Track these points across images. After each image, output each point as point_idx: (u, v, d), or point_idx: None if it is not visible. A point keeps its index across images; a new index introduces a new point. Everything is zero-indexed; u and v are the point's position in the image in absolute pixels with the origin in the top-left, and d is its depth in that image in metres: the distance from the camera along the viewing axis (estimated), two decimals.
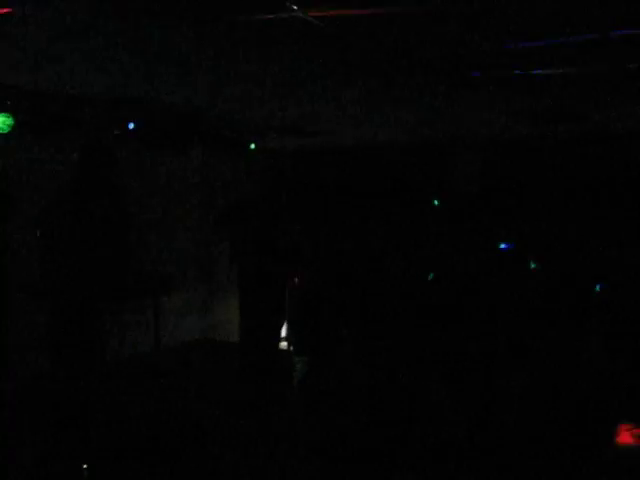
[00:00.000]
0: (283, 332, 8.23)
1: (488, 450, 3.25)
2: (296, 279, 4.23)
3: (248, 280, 7.22)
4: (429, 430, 2.26)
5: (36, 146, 6.45)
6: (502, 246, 5.72)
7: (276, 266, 7.23)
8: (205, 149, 7.92)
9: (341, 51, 4.17)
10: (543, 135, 7.80)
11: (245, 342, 7.27)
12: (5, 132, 5.77)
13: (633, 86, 5.08)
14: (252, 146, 7.45)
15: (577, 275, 4.49)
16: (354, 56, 4.28)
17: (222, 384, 7.30)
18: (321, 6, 3.28)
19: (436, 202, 7.45)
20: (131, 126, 6.66)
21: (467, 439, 3.43)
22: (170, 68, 4.80)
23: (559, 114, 6.40)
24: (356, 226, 5.27)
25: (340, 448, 4.21)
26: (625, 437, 2.75)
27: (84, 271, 4.42)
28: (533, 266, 4.26)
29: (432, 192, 8.21)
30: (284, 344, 7.59)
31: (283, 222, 7.23)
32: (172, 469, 2.91)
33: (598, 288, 4.52)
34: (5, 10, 3.06)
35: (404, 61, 4.41)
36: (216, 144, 7.83)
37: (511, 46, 4.02)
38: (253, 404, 6.42)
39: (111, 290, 4.56)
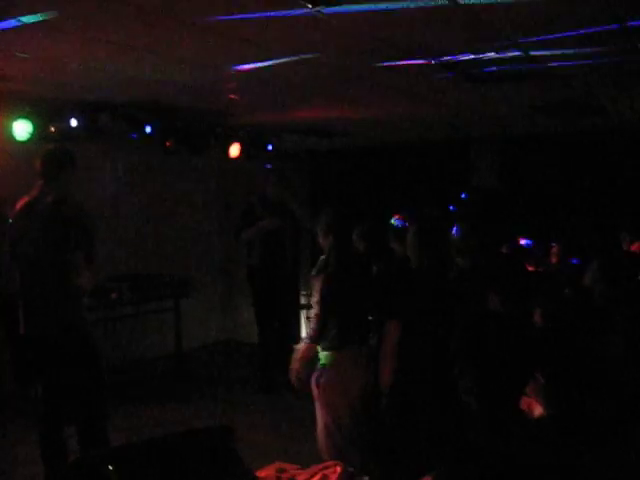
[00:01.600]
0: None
1: None
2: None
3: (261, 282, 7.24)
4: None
5: None
6: (523, 242, 5.69)
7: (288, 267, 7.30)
8: (223, 150, 7.93)
9: (357, 48, 4.16)
10: (562, 129, 7.74)
11: (264, 342, 7.31)
12: (24, 139, 5.82)
13: None
14: (269, 147, 7.45)
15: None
16: (369, 53, 4.26)
17: (244, 384, 7.32)
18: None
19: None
20: (148, 129, 6.69)
21: None
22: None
23: (578, 107, 6.35)
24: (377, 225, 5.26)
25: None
26: None
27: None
28: None
29: (452, 188, 8.20)
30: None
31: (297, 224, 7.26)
32: (197, 471, 2.90)
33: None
34: None
35: (421, 57, 4.39)
36: (234, 145, 7.84)
37: (527, 39, 4.00)
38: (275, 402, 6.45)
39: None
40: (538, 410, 2.72)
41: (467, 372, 2.13)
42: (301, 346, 4.37)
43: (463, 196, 4.40)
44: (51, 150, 4.40)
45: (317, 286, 4.27)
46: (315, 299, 4.28)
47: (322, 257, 4.48)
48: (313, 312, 4.33)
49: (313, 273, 4.55)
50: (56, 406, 4.36)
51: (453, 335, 2.22)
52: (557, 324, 3.01)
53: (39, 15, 3.40)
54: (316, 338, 4.27)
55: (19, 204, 4.37)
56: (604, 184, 7.62)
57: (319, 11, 3.35)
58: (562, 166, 7.89)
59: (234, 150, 7.61)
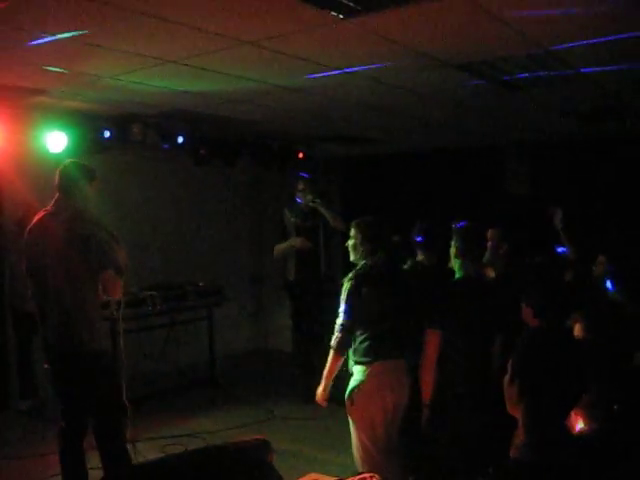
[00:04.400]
0: None
1: None
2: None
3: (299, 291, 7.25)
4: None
5: None
6: (559, 249, 5.60)
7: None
8: (254, 160, 7.95)
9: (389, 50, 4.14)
10: (593, 135, 7.64)
11: (298, 350, 7.32)
12: (59, 151, 5.88)
13: None
14: (300, 155, 7.43)
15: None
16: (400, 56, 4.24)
17: (279, 393, 7.31)
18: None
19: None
20: (180, 140, 6.73)
21: None
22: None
23: (608, 112, 6.26)
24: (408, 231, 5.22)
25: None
26: None
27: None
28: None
29: (484, 195, 8.13)
30: None
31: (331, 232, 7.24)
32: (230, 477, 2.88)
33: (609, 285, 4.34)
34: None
35: (451, 65, 4.36)
36: (265, 155, 7.86)
37: (558, 47, 3.95)
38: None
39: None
40: (580, 424, 2.67)
41: (518, 386, 2.09)
42: (330, 358, 4.23)
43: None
44: (67, 164, 4.37)
45: (343, 294, 4.14)
46: (340, 308, 4.17)
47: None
48: (338, 321, 4.14)
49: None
50: (73, 422, 4.31)
51: (513, 349, 2.17)
52: (601, 337, 2.95)
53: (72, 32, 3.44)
54: (340, 348, 4.13)
55: (35, 219, 4.30)
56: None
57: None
58: (597, 172, 7.75)
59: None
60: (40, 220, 4.26)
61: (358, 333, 4.11)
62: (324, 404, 4.30)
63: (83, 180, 4.31)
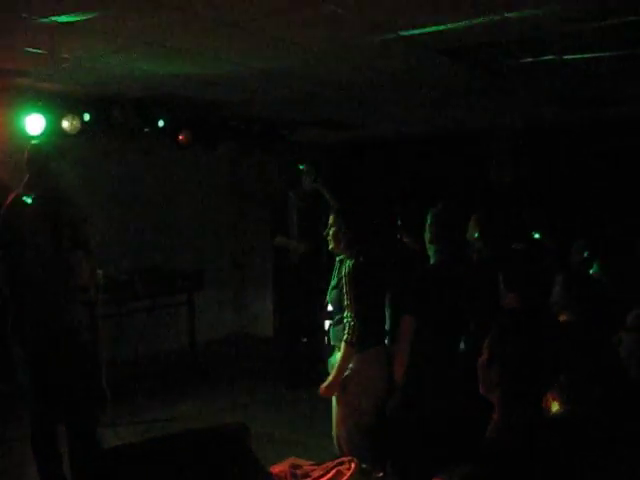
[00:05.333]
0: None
1: None
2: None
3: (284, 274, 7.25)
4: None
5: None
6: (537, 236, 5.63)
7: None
8: (236, 143, 7.90)
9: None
10: (576, 121, 7.67)
11: (280, 336, 7.33)
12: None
13: None
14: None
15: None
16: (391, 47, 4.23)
17: (259, 378, 7.31)
18: None
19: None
20: (161, 123, 6.68)
21: None
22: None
23: (592, 99, 6.29)
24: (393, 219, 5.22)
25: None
26: None
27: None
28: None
29: (467, 183, 8.15)
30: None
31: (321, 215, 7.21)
32: (211, 469, 2.88)
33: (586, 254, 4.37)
34: None
35: (436, 52, 4.36)
36: (247, 138, 7.81)
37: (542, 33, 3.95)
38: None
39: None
40: (555, 406, 2.69)
41: (494, 368, 2.10)
42: (342, 353, 4.04)
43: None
44: (35, 144, 4.33)
45: (346, 287, 4.03)
46: (347, 303, 4.07)
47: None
48: (349, 315, 3.99)
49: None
50: (47, 406, 4.27)
51: (488, 332, 2.18)
52: (583, 318, 2.99)
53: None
54: (355, 343, 3.99)
55: (6, 202, 4.25)
56: (626, 177, 7.50)
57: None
58: (582, 158, 7.78)
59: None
60: (11, 202, 4.23)
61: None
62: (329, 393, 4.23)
63: (52, 159, 4.28)
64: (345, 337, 3.98)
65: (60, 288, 4.15)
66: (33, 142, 4.34)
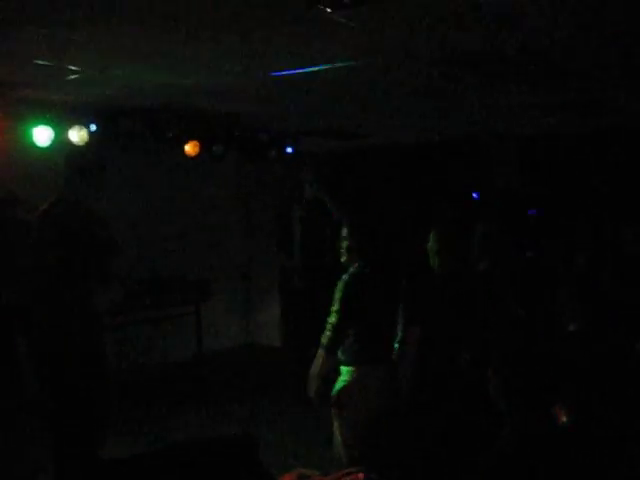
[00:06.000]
0: None
1: None
2: None
3: (291, 284, 7.24)
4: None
5: None
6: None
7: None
8: (241, 153, 7.93)
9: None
10: (581, 128, 7.67)
11: (287, 346, 7.32)
12: (45, 145, 5.84)
13: None
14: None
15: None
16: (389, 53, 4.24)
17: (267, 388, 7.30)
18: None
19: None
20: (168, 134, 6.70)
21: None
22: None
23: (594, 106, 6.28)
24: (397, 223, 5.22)
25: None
26: None
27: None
28: None
29: (473, 189, 8.15)
30: None
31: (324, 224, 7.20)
32: (220, 479, 2.89)
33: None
34: None
35: (439, 56, 4.36)
36: (254, 148, 7.83)
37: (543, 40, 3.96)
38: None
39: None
40: (563, 417, 2.69)
41: (500, 374, 2.11)
42: (318, 356, 4.06)
43: (475, 196, 4.25)
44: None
45: (337, 294, 3.98)
46: (334, 307, 4.09)
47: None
48: (329, 320, 3.98)
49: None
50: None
51: (492, 338, 2.20)
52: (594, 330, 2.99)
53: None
54: (331, 349, 4.00)
55: (41, 211, 4.31)
56: (625, 184, 7.49)
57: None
58: (585, 166, 7.78)
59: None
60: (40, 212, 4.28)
61: (349, 334, 4.06)
62: (317, 402, 4.21)
63: (66, 167, 4.33)
64: (323, 340, 3.98)
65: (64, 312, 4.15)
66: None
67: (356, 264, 4.09)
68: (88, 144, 5.77)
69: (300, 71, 4.61)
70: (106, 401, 4.34)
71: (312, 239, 6.95)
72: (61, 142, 5.87)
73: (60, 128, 5.90)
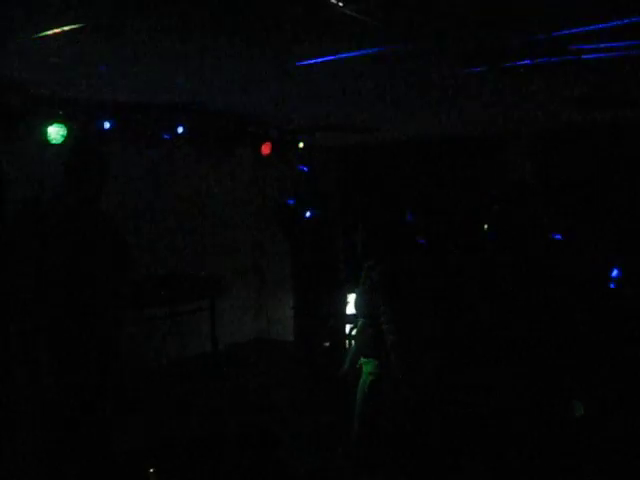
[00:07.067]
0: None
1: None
2: None
3: (303, 279, 7.26)
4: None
5: None
6: (556, 236, 5.61)
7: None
8: (254, 149, 7.93)
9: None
10: (597, 123, 7.61)
11: (300, 341, 7.33)
12: (59, 143, 5.86)
13: None
14: (301, 145, 7.40)
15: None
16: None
17: (280, 383, 7.31)
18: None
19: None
20: (180, 130, 6.71)
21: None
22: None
23: (610, 100, 6.22)
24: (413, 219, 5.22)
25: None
26: None
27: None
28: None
29: (487, 185, 8.11)
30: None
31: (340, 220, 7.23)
32: (235, 470, 2.90)
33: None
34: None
35: (451, 51, 4.34)
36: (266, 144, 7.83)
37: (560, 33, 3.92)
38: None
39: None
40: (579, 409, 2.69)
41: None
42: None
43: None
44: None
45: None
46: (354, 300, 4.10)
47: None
48: (350, 311, 4.14)
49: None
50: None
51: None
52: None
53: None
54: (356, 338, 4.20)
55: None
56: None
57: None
58: (599, 159, 7.72)
59: (266, 149, 7.60)
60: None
61: (369, 327, 4.08)
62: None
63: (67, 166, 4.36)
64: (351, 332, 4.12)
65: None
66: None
67: (377, 262, 4.14)
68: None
69: (325, 59, 4.57)
70: (119, 397, 4.37)
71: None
72: (74, 139, 5.89)
73: (73, 125, 5.93)
